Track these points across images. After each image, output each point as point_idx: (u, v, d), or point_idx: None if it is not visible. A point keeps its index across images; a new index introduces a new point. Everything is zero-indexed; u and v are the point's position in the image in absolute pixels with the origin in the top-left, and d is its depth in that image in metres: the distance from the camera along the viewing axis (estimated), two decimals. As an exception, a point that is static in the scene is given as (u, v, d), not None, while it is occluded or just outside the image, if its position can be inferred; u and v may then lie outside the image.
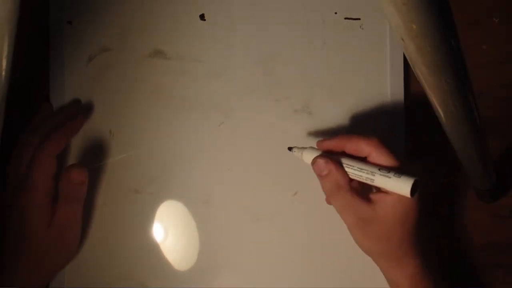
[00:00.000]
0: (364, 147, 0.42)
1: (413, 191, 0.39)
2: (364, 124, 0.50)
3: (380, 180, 0.41)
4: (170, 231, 0.49)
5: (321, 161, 0.42)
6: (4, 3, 0.30)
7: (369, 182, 0.42)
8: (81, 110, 0.49)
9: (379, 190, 0.43)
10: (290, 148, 0.46)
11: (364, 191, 0.43)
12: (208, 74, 0.50)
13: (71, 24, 0.50)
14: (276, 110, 0.50)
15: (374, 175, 0.41)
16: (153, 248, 0.49)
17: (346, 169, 0.42)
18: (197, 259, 0.49)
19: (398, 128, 0.50)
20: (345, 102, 0.50)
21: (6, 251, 0.44)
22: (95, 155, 0.50)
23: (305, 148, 0.45)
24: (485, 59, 0.51)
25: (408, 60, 0.30)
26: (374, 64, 0.50)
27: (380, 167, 0.41)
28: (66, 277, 0.49)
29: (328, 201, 0.46)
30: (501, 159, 0.51)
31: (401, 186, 0.40)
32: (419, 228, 0.42)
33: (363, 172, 0.41)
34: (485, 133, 0.38)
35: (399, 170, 0.41)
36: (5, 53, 0.34)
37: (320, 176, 0.43)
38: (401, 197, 0.41)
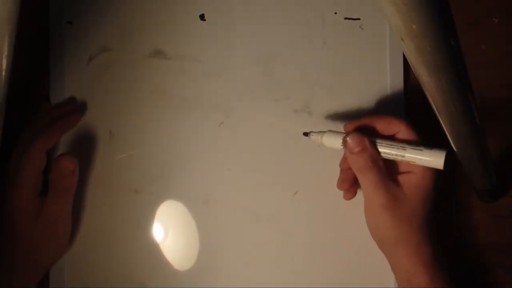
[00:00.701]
0: (394, 124, 0.43)
1: (445, 163, 0.40)
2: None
3: (412, 153, 0.41)
4: (170, 231, 0.49)
5: (356, 136, 0.42)
6: (4, 3, 0.30)
7: (399, 158, 0.42)
8: (77, 107, 0.49)
9: (402, 172, 0.44)
10: (306, 134, 0.46)
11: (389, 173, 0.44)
12: (208, 74, 0.50)
13: (71, 24, 0.50)
14: (276, 110, 0.50)
15: (405, 150, 0.42)
16: (153, 248, 0.49)
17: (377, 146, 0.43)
18: (197, 259, 0.49)
19: (398, 128, 0.50)
20: (345, 102, 0.50)
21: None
22: (95, 155, 0.50)
23: (324, 131, 0.45)
24: (485, 59, 0.51)
25: (408, 60, 0.30)
26: (374, 64, 0.50)
27: (410, 142, 0.42)
28: (66, 277, 0.49)
29: (348, 196, 0.46)
30: (501, 159, 0.51)
31: (435, 157, 0.41)
32: (433, 213, 0.43)
33: (393, 148, 0.42)
34: (485, 133, 0.38)
35: (428, 145, 0.42)
36: (5, 53, 0.34)
37: (352, 154, 0.42)
38: (424, 176, 0.42)
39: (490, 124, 0.50)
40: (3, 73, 0.36)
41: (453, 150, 0.39)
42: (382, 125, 0.44)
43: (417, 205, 0.42)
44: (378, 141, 0.43)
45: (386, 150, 0.42)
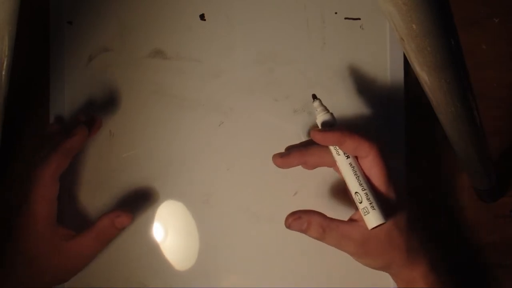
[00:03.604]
0: (364, 149, 0.40)
1: (375, 227, 0.39)
2: (364, 124, 0.49)
3: (355, 201, 0.40)
4: (170, 231, 0.49)
5: (295, 221, 0.42)
6: (4, 3, 0.30)
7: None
8: (82, 124, 0.47)
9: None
10: (314, 96, 0.42)
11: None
12: (208, 74, 0.50)
13: (71, 24, 0.50)
14: (276, 110, 0.50)
15: (351, 195, 0.41)
16: (153, 248, 0.49)
17: None
18: (197, 259, 0.49)
19: (398, 128, 0.50)
20: (345, 102, 0.50)
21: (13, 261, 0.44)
22: (95, 155, 0.50)
23: (327, 112, 0.42)
24: (485, 59, 0.51)
25: (408, 60, 0.30)
26: (374, 64, 0.50)
27: (357, 191, 0.40)
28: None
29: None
30: (501, 159, 0.51)
31: (366, 221, 0.40)
32: (417, 227, 0.42)
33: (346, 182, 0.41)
34: (485, 133, 0.38)
35: (382, 197, 0.40)
36: (5, 53, 0.34)
37: (303, 231, 0.42)
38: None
39: (490, 124, 0.50)
40: (3, 73, 0.36)
41: (386, 221, 0.39)
42: (351, 145, 0.40)
43: (389, 233, 0.41)
44: (339, 160, 0.41)
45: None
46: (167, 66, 0.50)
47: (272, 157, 0.44)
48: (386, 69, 0.50)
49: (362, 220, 0.40)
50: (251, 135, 0.50)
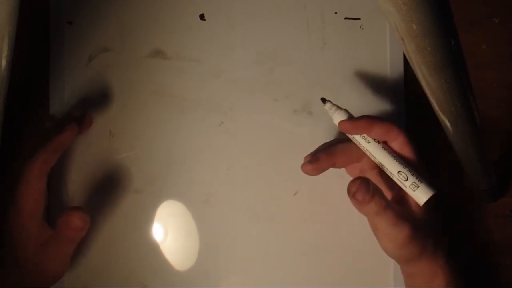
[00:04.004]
0: (393, 133, 0.41)
1: (427, 201, 0.40)
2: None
3: (397, 183, 0.41)
4: (170, 231, 0.49)
5: (362, 188, 0.39)
6: (4, 3, 0.30)
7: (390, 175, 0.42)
8: (73, 121, 0.47)
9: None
10: (324, 100, 0.43)
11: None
12: (208, 74, 0.50)
13: (71, 24, 0.50)
14: (276, 110, 0.50)
15: (392, 177, 0.41)
16: (153, 248, 0.49)
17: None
18: (197, 259, 0.49)
19: (398, 128, 0.50)
20: (345, 102, 0.49)
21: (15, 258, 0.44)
22: (95, 155, 0.50)
23: (341, 109, 0.43)
24: (485, 59, 0.51)
25: (408, 60, 0.30)
26: (374, 64, 0.50)
27: (400, 170, 0.41)
28: (66, 277, 0.49)
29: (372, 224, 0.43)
30: (501, 159, 0.51)
31: (415, 197, 0.40)
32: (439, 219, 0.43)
33: (384, 168, 0.42)
34: (485, 133, 0.38)
35: (419, 172, 0.41)
36: (5, 53, 0.34)
37: (364, 202, 0.39)
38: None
39: (490, 124, 0.50)
40: (3, 73, 0.36)
41: (438, 192, 0.39)
42: (380, 130, 0.41)
43: (428, 216, 0.41)
44: (373, 155, 0.42)
45: (379, 165, 0.42)
46: (167, 66, 0.50)
47: (302, 166, 0.42)
48: (386, 69, 0.50)
49: (410, 203, 0.41)
50: (251, 135, 0.50)
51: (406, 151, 0.41)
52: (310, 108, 0.50)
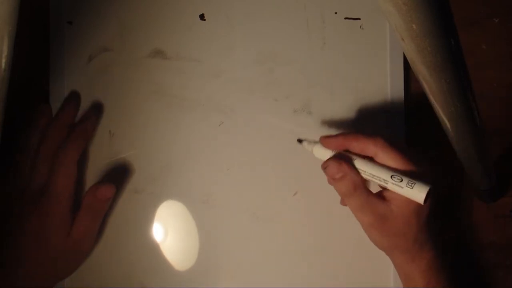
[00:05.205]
0: (370, 148, 0.42)
1: (426, 198, 0.40)
2: (364, 124, 0.50)
3: (393, 187, 0.41)
4: (170, 231, 0.49)
5: (334, 164, 0.42)
6: (4, 3, 0.30)
7: (383, 185, 0.42)
8: (92, 110, 0.49)
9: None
10: (300, 140, 0.47)
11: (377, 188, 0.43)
12: (208, 74, 0.50)
13: (71, 24, 0.50)
14: (276, 110, 0.50)
15: (387, 184, 0.41)
16: (153, 248, 0.49)
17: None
18: (197, 259, 0.49)
19: (398, 128, 0.50)
20: (345, 102, 0.50)
21: (21, 257, 0.44)
22: (95, 155, 0.50)
23: (317, 142, 0.45)
24: (485, 59, 0.51)
25: (408, 60, 0.30)
26: (374, 64, 0.50)
27: (393, 174, 0.41)
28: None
29: (343, 203, 0.46)
30: (501, 159, 0.51)
31: (415, 196, 0.40)
32: (431, 222, 0.43)
33: (375, 178, 0.41)
34: (485, 133, 0.38)
35: (410, 174, 0.41)
36: (5, 53, 0.34)
37: (334, 179, 0.42)
38: None
39: (490, 124, 0.50)
40: (3, 73, 0.36)
41: (432, 186, 0.40)
42: (357, 146, 0.42)
43: (409, 221, 0.42)
44: (361, 168, 0.42)
45: (369, 178, 0.42)
46: (167, 66, 0.50)
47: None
48: (386, 69, 0.50)
49: (391, 198, 0.41)
50: (251, 135, 0.50)
51: (393, 156, 0.41)
52: (310, 108, 0.50)
